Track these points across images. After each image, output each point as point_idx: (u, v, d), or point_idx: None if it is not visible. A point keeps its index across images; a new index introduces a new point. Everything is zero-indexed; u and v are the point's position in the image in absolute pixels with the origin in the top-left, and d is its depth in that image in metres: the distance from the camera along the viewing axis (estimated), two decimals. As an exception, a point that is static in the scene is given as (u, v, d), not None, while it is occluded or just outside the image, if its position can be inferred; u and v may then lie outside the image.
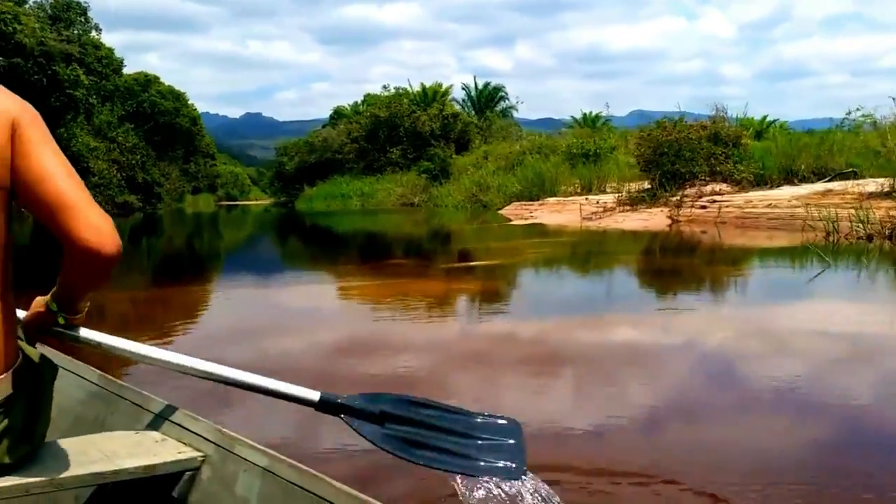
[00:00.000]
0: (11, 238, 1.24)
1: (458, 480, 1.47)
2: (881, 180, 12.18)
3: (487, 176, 27.42)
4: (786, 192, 13.78)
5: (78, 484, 1.26)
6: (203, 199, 50.67)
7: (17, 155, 1.19)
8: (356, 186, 37.77)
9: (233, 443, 1.37)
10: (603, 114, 37.75)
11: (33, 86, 26.76)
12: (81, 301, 1.39)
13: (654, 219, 14.40)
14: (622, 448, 2.50)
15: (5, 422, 1.21)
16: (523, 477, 1.48)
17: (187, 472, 1.37)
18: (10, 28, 27.65)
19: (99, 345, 1.45)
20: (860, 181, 13.06)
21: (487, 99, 46.94)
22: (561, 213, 17.48)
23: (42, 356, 1.35)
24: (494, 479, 1.46)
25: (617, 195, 17.12)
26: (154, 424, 1.52)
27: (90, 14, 34.87)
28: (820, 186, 13.65)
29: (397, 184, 34.57)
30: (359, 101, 50.71)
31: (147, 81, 45.21)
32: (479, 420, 1.60)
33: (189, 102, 48.93)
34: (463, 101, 47.02)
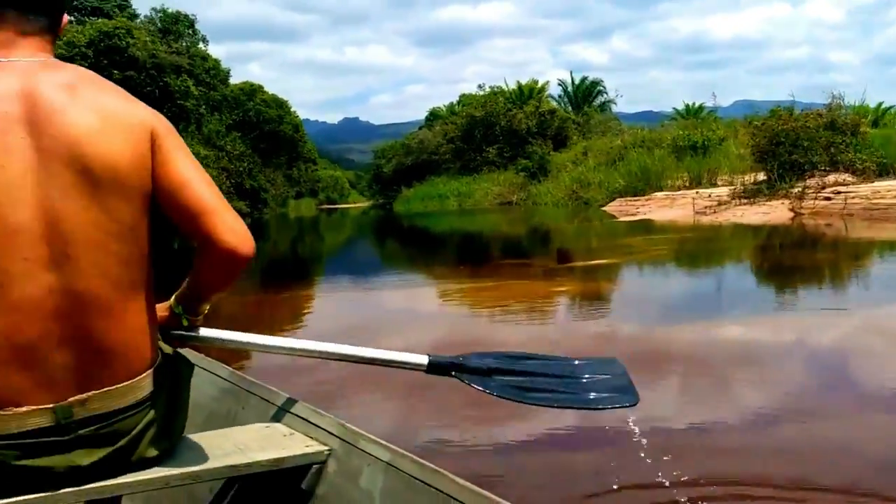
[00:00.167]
0: (155, 243, 1.29)
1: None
2: None
3: (588, 172, 26.76)
4: (919, 180, 12.74)
5: (213, 476, 1.32)
6: (305, 203, 52.02)
7: (158, 163, 1.25)
8: (453, 187, 37.77)
9: (356, 437, 1.39)
10: (708, 104, 36.22)
11: (146, 97, 27.50)
12: (206, 303, 1.43)
13: (774, 212, 13.60)
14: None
15: (149, 416, 1.27)
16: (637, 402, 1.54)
17: (314, 466, 1.40)
18: (124, 42, 29.27)
19: (222, 342, 1.50)
20: None
21: (585, 94, 46.08)
22: (671, 207, 16.76)
23: (179, 354, 1.42)
24: (610, 408, 1.55)
25: (731, 188, 16.25)
26: (281, 419, 1.56)
27: (197, 26, 36.46)
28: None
29: (494, 183, 34.35)
30: (454, 102, 50.98)
31: (252, 90, 46.75)
32: (579, 363, 1.65)
33: (292, 110, 50.31)
34: (559, 97, 46.37)
